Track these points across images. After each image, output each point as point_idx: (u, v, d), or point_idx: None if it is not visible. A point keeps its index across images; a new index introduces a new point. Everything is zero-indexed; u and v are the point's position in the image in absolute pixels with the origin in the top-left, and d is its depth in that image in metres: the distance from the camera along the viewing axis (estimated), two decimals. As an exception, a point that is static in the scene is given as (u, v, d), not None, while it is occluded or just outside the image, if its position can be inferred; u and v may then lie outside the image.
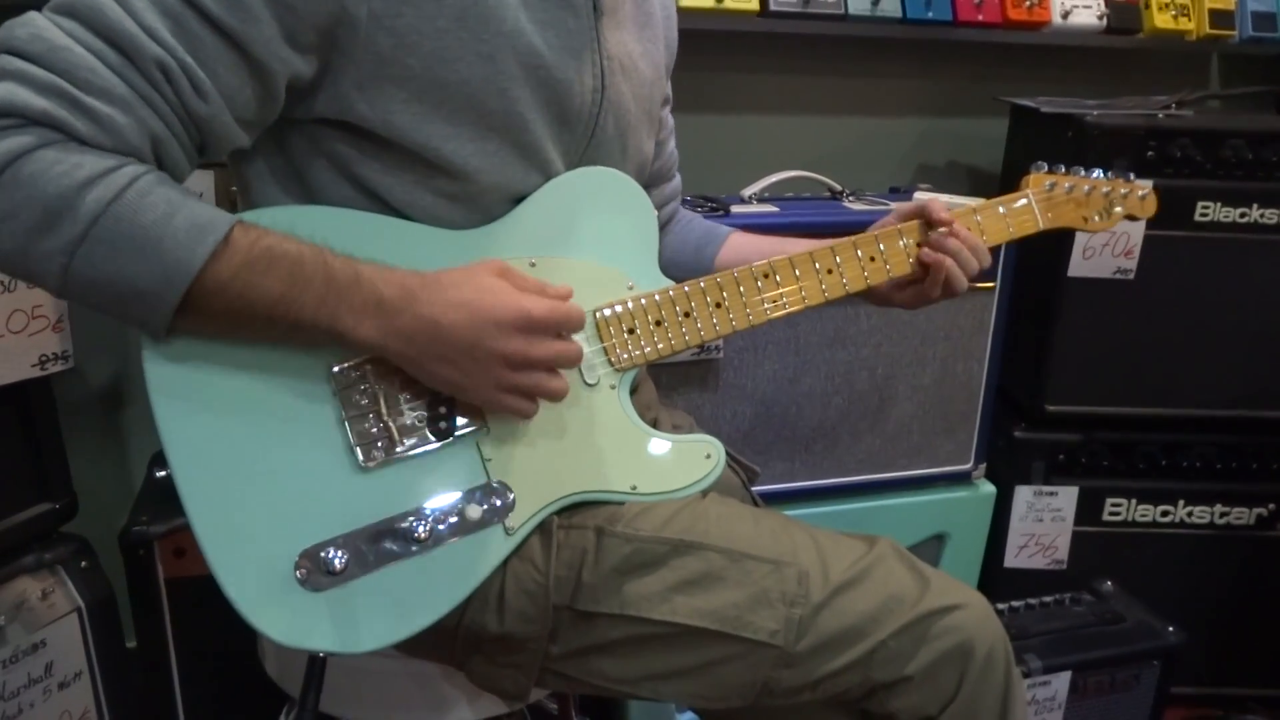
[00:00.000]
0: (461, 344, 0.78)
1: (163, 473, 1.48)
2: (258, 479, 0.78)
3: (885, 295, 1.06)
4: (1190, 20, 1.93)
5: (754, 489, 1.16)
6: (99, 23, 0.69)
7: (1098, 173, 1.13)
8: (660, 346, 0.94)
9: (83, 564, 1.34)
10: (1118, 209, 1.15)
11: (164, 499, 1.44)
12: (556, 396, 0.84)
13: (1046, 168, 1.11)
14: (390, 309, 0.77)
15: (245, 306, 0.73)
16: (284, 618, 0.78)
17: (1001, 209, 1.08)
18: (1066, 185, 1.11)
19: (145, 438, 1.72)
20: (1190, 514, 1.78)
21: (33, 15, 0.70)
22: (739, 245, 1.15)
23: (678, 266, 1.14)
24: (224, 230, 0.71)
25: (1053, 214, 1.09)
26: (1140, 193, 1.16)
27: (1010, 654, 0.89)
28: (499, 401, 0.82)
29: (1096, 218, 1.14)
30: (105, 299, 0.71)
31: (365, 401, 0.82)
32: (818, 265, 1.00)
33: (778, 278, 0.98)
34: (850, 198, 1.68)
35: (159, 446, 1.57)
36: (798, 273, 0.99)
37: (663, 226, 1.19)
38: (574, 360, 0.85)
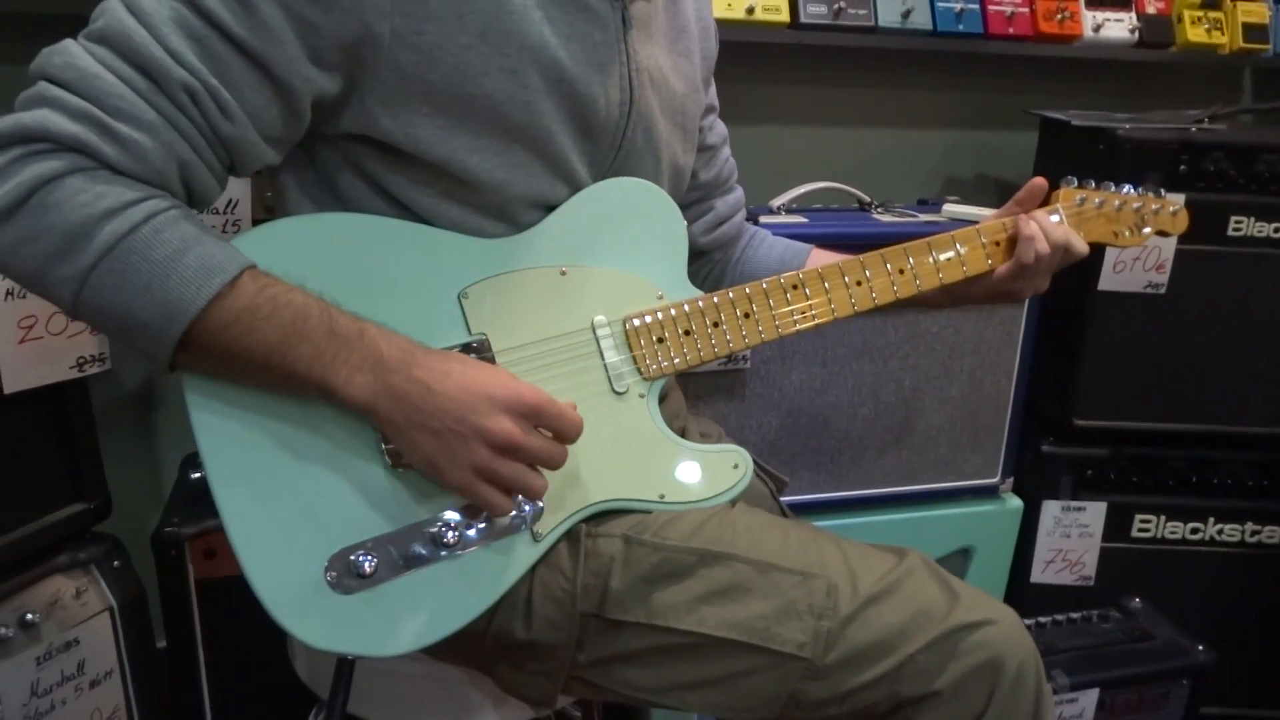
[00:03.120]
0: (449, 414, 0.76)
1: (197, 475, 1.50)
2: (291, 483, 0.79)
3: (994, 285, 1.06)
4: (1223, 34, 1.92)
5: (780, 500, 1.16)
6: (128, 49, 0.71)
7: (1128, 188, 1.13)
8: (689, 356, 0.95)
9: (115, 564, 1.35)
10: (1148, 225, 1.14)
11: (195, 500, 1.46)
12: (535, 495, 0.82)
13: (1076, 182, 1.10)
14: (386, 367, 0.77)
15: (242, 351, 0.74)
16: (314, 620, 0.79)
17: None
18: (1097, 200, 1.10)
19: (178, 440, 1.75)
20: (1220, 531, 1.77)
21: (68, 43, 0.72)
22: (822, 264, 1.14)
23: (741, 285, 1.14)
24: (232, 274, 0.72)
25: (1083, 229, 1.08)
26: (1171, 209, 1.15)
27: (1041, 670, 0.87)
28: (474, 488, 0.79)
29: (1127, 233, 1.13)
30: (111, 328, 0.73)
31: None
32: (847, 278, 1.00)
33: (806, 290, 0.99)
34: (879, 209, 1.68)
35: (191, 449, 1.58)
36: (827, 285, 0.99)
37: (731, 242, 1.19)
38: (559, 462, 0.82)
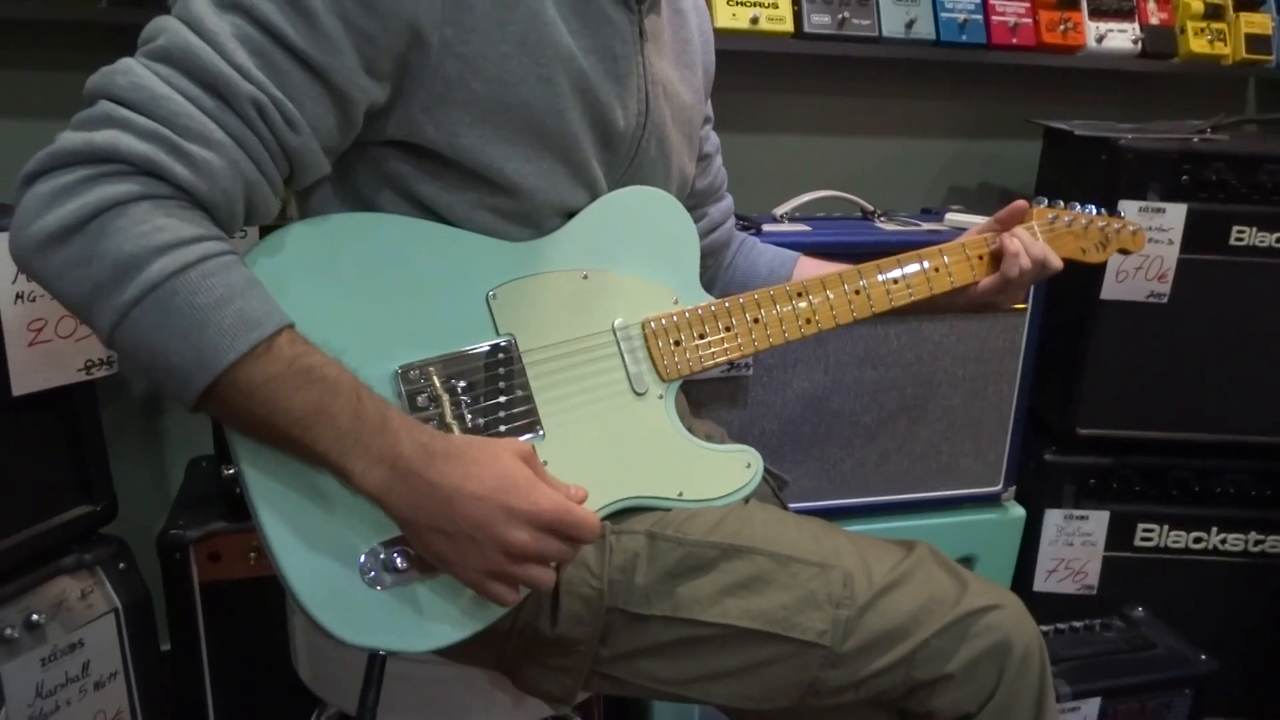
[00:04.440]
0: (467, 523, 0.75)
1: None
2: (324, 480, 0.79)
3: (977, 297, 1.12)
4: (1226, 45, 1.93)
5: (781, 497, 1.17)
6: (194, 67, 0.70)
7: (1092, 208, 1.22)
8: (704, 358, 0.97)
9: (120, 566, 1.35)
10: (1112, 243, 1.24)
11: (201, 504, 1.46)
12: (544, 588, 0.80)
13: (1047, 202, 1.19)
14: (403, 469, 0.75)
15: (266, 416, 0.73)
16: (348, 615, 0.79)
17: None
18: (1066, 219, 1.19)
19: (184, 443, 1.74)
20: (1224, 541, 1.77)
21: (130, 63, 0.71)
22: (809, 271, 1.18)
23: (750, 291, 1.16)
24: (270, 330, 0.71)
25: (1054, 245, 1.15)
26: (1131, 229, 1.25)
27: (1045, 651, 0.91)
28: (483, 586, 0.78)
29: (1093, 249, 1.22)
30: (143, 365, 0.71)
31: (427, 403, 0.83)
32: (846, 286, 1.05)
33: (811, 297, 1.03)
34: (882, 218, 1.69)
35: (197, 452, 1.57)
36: (829, 293, 1.04)
37: (722, 248, 1.22)
38: (571, 560, 0.81)
